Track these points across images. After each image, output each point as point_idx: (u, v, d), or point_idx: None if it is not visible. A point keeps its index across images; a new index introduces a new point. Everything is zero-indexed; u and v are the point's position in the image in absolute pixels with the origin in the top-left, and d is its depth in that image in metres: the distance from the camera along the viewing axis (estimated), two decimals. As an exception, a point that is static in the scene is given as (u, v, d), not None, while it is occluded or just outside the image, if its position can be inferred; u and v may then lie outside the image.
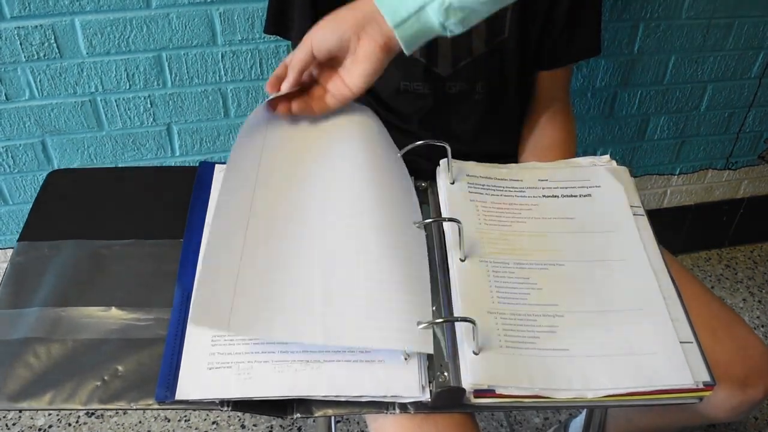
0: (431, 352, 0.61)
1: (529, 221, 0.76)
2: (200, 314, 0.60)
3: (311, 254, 0.67)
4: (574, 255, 0.73)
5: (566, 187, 0.81)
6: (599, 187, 0.80)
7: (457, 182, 0.79)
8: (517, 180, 0.81)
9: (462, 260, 0.71)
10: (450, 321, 0.65)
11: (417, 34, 0.66)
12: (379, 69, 0.70)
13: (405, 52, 0.68)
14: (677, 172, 1.58)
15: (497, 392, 0.60)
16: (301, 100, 0.75)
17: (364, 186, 0.72)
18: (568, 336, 0.65)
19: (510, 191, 0.80)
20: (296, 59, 0.71)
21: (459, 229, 0.70)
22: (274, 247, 0.66)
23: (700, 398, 0.63)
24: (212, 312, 0.60)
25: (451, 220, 0.71)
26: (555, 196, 0.79)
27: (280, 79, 0.73)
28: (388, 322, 0.62)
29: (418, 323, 0.62)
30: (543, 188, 0.80)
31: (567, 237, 0.75)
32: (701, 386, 0.62)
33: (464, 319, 0.62)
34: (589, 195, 0.79)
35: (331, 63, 0.73)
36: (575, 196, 0.79)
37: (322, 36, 0.69)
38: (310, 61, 0.71)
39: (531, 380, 0.61)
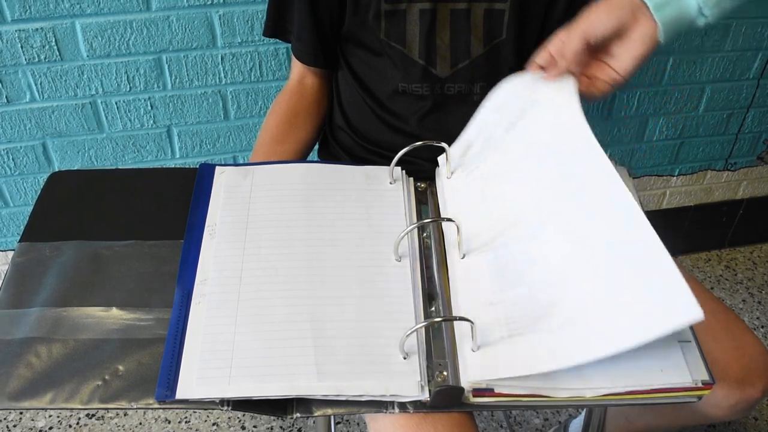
0: (416, 395, 0.61)
1: (531, 221, 0.76)
2: (200, 383, 0.61)
3: (300, 304, 0.67)
4: (575, 255, 0.72)
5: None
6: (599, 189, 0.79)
7: (455, 173, 0.79)
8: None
9: (461, 258, 0.71)
10: (448, 320, 0.65)
11: (675, 19, 0.67)
12: (648, 55, 0.70)
13: (662, 39, 0.68)
14: (676, 173, 1.58)
15: (496, 391, 0.61)
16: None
17: (345, 234, 0.74)
18: (568, 307, 0.64)
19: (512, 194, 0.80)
20: (571, 52, 0.71)
21: (457, 228, 0.70)
22: (265, 308, 0.67)
23: (699, 397, 0.63)
24: (212, 380, 0.61)
25: (448, 220, 0.71)
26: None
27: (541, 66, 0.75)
28: (375, 358, 0.63)
29: (404, 358, 0.63)
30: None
31: (567, 238, 0.75)
32: (700, 385, 0.62)
33: (462, 319, 0.63)
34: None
35: (591, 53, 0.73)
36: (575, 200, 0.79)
37: (598, 21, 0.69)
38: (585, 53, 0.71)
39: (529, 380, 0.61)
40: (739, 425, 1.35)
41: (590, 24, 0.69)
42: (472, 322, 0.62)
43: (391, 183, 0.80)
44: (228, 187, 0.78)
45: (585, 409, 1.02)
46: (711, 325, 0.80)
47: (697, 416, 0.86)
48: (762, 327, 1.56)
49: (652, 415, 0.94)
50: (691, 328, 0.67)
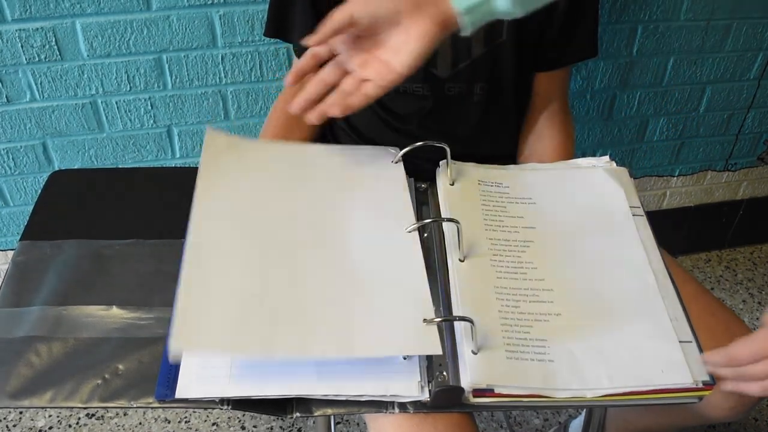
0: (440, 352, 0.60)
1: (530, 222, 0.77)
2: (199, 383, 0.59)
3: (299, 304, 0.67)
4: (574, 256, 0.73)
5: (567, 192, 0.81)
6: (600, 190, 0.80)
7: (456, 183, 0.79)
8: (514, 188, 0.81)
9: (461, 260, 0.71)
10: (449, 320, 0.65)
11: (482, 18, 0.65)
12: (431, 50, 0.65)
13: (463, 33, 0.65)
14: (676, 174, 1.58)
15: (496, 392, 0.61)
16: (334, 97, 0.67)
17: (345, 233, 0.73)
18: (566, 336, 0.65)
19: (512, 194, 0.80)
20: (334, 19, 0.64)
21: (458, 229, 0.70)
22: (264, 307, 0.66)
23: (700, 398, 0.63)
24: (212, 380, 0.60)
25: (449, 220, 0.71)
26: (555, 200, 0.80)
27: (303, 73, 0.68)
28: (394, 329, 0.62)
29: (423, 320, 0.62)
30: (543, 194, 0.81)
31: (567, 239, 0.75)
32: (701, 386, 0.62)
33: (462, 319, 0.63)
34: (591, 198, 0.80)
35: (363, 45, 0.67)
36: (575, 201, 0.80)
37: (369, 2, 0.64)
38: (347, 25, 0.64)
39: (529, 380, 0.61)
40: (739, 425, 1.35)
41: (359, 2, 0.64)
42: (472, 323, 0.62)
43: (392, 166, 0.80)
44: (219, 158, 0.76)
45: (585, 410, 1.02)
46: (711, 325, 0.80)
47: (696, 417, 0.86)
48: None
49: (652, 416, 0.94)
50: (692, 328, 0.67)
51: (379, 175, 0.78)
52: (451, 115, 0.92)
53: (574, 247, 0.74)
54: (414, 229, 0.70)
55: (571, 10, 0.88)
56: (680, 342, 0.65)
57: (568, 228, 0.76)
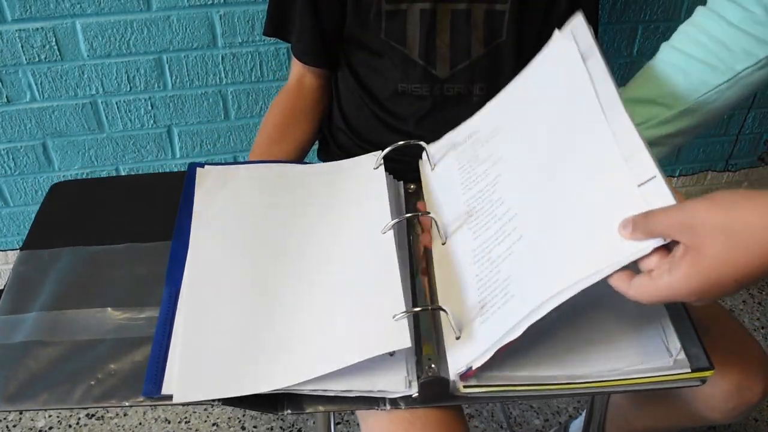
0: (409, 345, 0.60)
1: (499, 154, 0.74)
2: (189, 389, 0.60)
3: (283, 299, 0.68)
4: (541, 167, 0.67)
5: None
6: (562, 74, 0.72)
7: (438, 163, 0.79)
8: (483, 127, 0.79)
9: (443, 245, 0.71)
10: (425, 310, 0.65)
11: None
12: None
13: None
14: (677, 174, 1.58)
15: (474, 368, 0.58)
16: None
17: (327, 230, 0.74)
18: (525, 256, 0.62)
19: (482, 136, 0.78)
20: None
21: (434, 221, 0.71)
22: (248, 303, 0.67)
23: (703, 380, 0.61)
24: (202, 384, 0.61)
25: (425, 213, 0.71)
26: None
27: None
28: (367, 331, 0.62)
29: (393, 316, 0.62)
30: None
31: (535, 150, 0.69)
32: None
33: (436, 308, 0.62)
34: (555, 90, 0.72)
35: None
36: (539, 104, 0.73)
37: None
38: None
39: (500, 327, 0.58)
40: (739, 426, 1.34)
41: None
42: (445, 311, 0.61)
43: (373, 172, 0.80)
44: (210, 187, 0.78)
45: (585, 410, 1.02)
46: (710, 327, 0.79)
47: (696, 418, 0.86)
48: (762, 328, 1.56)
49: (652, 416, 0.94)
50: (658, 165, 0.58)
51: (359, 183, 0.79)
52: (450, 116, 0.92)
53: (541, 158, 0.68)
54: (389, 230, 0.70)
55: (571, 10, 0.88)
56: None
57: (535, 137, 0.70)
